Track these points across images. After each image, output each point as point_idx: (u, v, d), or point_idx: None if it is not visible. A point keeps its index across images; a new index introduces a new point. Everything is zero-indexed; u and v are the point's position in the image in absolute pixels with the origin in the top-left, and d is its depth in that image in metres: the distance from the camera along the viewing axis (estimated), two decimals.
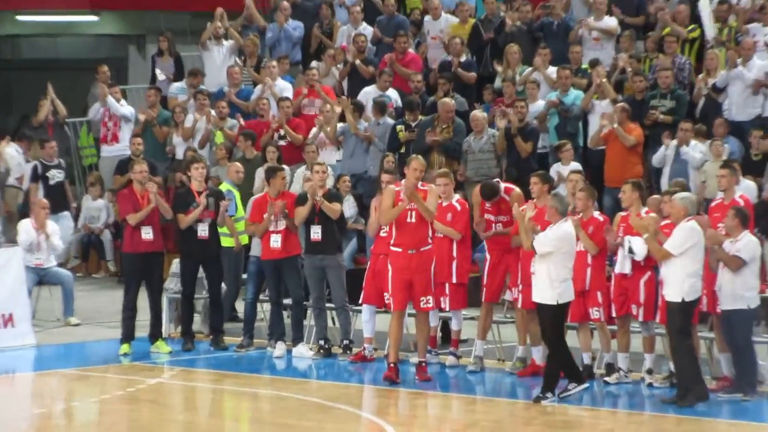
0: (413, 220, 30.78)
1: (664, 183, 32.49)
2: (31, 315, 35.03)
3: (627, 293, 30.33)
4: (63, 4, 46.14)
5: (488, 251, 32.55)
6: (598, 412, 29.51)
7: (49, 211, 36.76)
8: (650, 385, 30.55)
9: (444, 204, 31.66)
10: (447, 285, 32.23)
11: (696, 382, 28.79)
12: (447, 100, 36.21)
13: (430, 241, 31.29)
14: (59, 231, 36.47)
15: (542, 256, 28.48)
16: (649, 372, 30.71)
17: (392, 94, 37.43)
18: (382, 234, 31.99)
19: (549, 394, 29.12)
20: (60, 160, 39.77)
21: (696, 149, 32.56)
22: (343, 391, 31.43)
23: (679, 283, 28.15)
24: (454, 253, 32.13)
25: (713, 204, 29.62)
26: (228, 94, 38.63)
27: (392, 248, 31.38)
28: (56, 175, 38.58)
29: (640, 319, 30.41)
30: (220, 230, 33.36)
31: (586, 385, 29.35)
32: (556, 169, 33.52)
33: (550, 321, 29.18)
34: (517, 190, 31.58)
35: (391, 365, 31.65)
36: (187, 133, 37.47)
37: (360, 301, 33.22)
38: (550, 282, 28.74)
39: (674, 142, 33.21)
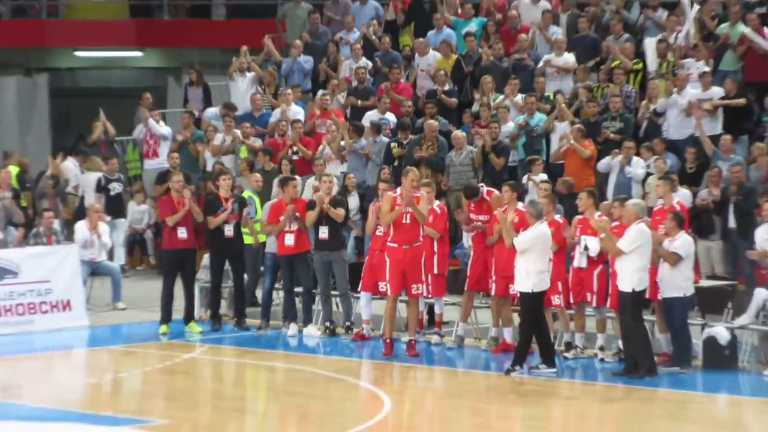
0: (408, 221, 31.22)
1: (610, 191, 32.45)
2: (85, 301, 35.06)
3: (582, 283, 30.67)
4: (113, 42, 46.03)
5: (473, 247, 32.55)
6: (558, 382, 29.56)
7: (100, 214, 36.82)
8: (602, 360, 30.89)
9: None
10: (430, 275, 32.31)
11: (647, 358, 29.03)
12: (432, 122, 36.29)
13: (420, 238, 31.60)
14: (108, 231, 36.52)
15: (522, 252, 28.87)
16: (601, 349, 31.06)
17: (390, 116, 37.42)
18: (378, 233, 32.22)
19: (518, 367, 29.47)
20: (120, 174, 39.95)
21: (638, 165, 32.56)
22: (346, 365, 31.56)
23: (630, 275, 28.53)
24: (435, 249, 32.45)
25: (655, 209, 29.59)
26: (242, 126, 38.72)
27: (389, 244, 31.75)
28: (116, 187, 38.70)
29: (594, 304, 30.76)
30: (242, 230, 33.38)
31: (555, 370, 29.69)
32: (527, 179, 33.49)
33: (529, 306, 29.65)
34: (497, 193, 31.68)
35: (387, 341, 32.02)
36: (216, 150, 37.49)
37: (359, 289, 33.28)
38: (527, 274, 29.25)
39: (620, 156, 33.22)
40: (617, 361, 30.54)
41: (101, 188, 38.80)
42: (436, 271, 32.61)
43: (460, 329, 33.60)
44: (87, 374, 32.84)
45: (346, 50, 39.71)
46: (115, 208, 38.80)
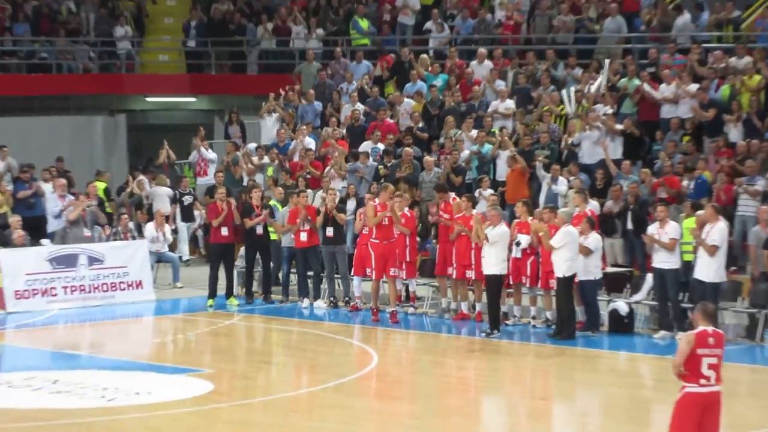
0: (386, 222, 31.41)
1: (542, 201, 32.38)
2: (152, 281, 35.00)
3: (519, 269, 30.55)
4: (174, 90, 45.92)
5: (439, 242, 32.51)
6: (501, 342, 29.50)
7: (165, 219, 36.95)
8: (534, 326, 30.83)
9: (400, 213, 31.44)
10: (404, 263, 32.26)
11: (570, 325, 29.14)
12: (409, 149, 36.16)
13: (395, 236, 31.77)
14: (169, 230, 36.53)
15: (491, 245, 29.01)
16: (534, 318, 30.99)
17: (379, 146, 37.29)
18: (364, 231, 31.95)
19: (496, 332, 29.80)
20: (191, 188, 40.10)
21: (561, 183, 32.46)
22: (344, 329, 31.55)
23: (561, 264, 28.63)
24: (407, 243, 32.15)
25: (574, 215, 29.52)
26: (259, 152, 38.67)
27: (372, 240, 31.87)
28: (188, 199, 38.63)
29: (528, 285, 30.55)
30: (269, 229, 33.41)
31: (499, 333, 29.65)
32: (479, 193, 33.40)
33: (495, 286, 29.83)
34: (458, 199, 31.74)
35: (374, 311, 32.14)
36: (250, 171, 37.45)
37: (352, 273, 33.17)
38: (495, 261, 29.38)
39: (549, 174, 33.08)
40: (545, 327, 30.56)
41: (176, 200, 38.89)
42: (408, 259, 32.44)
43: (428, 304, 34.07)
44: (153, 335, 32.97)
45: (346, 97, 39.57)
46: (188, 214, 38.80)
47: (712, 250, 27.65)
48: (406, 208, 32.32)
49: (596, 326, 29.88)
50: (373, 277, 32.53)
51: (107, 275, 34.53)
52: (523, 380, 27.80)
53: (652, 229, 29.11)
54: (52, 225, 35.28)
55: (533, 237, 30.01)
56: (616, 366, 28.56)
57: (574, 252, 29.29)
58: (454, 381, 28.38)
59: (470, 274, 31.62)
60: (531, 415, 24.71)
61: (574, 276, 29.43)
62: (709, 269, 27.97)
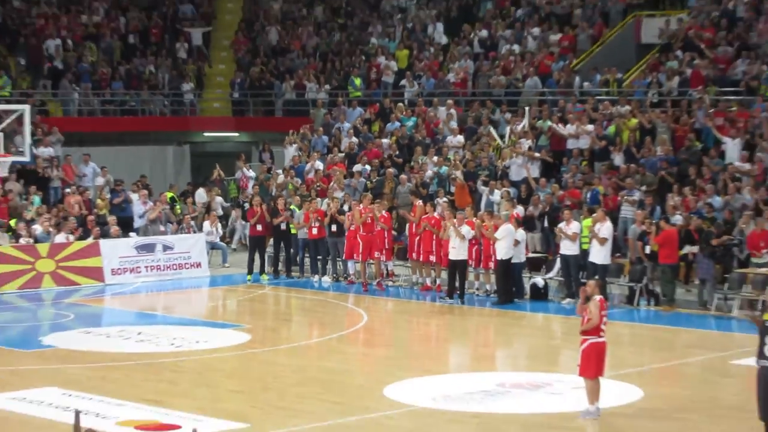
0: (369, 221, 31.21)
1: (482, 207, 32.05)
2: (207, 263, 34.65)
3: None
4: (223, 128, 45.64)
5: (409, 235, 32.09)
6: (454, 306, 29.23)
7: (217, 219, 36.90)
8: (477, 295, 30.32)
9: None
10: (384, 249, 31.99)
11: (506, 293, 28.76)
12: (390, 170, 35.84)
13: (376, 230, 31.40)
14: (220, 226, 36.24)
15: (501, 239, 28.44)
16: (478, 289, 30.53)
17: (367, 167, 36.92)
18: (351, 228, 31.61)
19: (450, 299, 29.40)
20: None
21: (496, 194, 32.19)
22: (343, 296, 31.32)
23: (501, 251, 28.33)
24: (386, 235, 31.73)
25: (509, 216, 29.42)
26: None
27: (361, 233, 31.50)
28: (247, 205, 38.57)
29: (473, 265, 30.04)
30: (290, 226, 33.10)
31: (453, 300, 29.29)
32: (438, 201, 33.06)
33: (462, 268, 29.45)
34: (420, 204, 31.46)
35: (364, 284, 31.87)
36: (279, 186, 37.08)
37: (344, 257, 32.69)
38: (463, 249, 29.00)
39: (487, 188, 32.79)
40: (485, 296, 30.18)
41: (239, 205, 38.78)
42: (387, 247, 32.22)
43: (401, 279, 33.51)
44: (208, 301, 32.80)
45: (345, 133, 39.19)
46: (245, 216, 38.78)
47: (602, 241, 27.66)
48: (384, 211, 32.14)
49: (521, 295, 29.73)
50: (360, 259, 32.30)
51: (176, 258, 34.33)
52: (471, 333, 27.67)
53: (561, 226, 29.02)
54: (137, 222, 35.12)
55: (477, 231, 29.75)
56: (536, 323, 28.46)
57: (511, 242, 29.05)
58: (421, 333, 28.52)
59: (432, 258, 31.24)
60: (477, 357, 25.06)
61: (510, 259, 29.29)
62: (600, 255, 27.93)
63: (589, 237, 28.27)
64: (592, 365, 17.72)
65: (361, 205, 32.55)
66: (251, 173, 39.53)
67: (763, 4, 36.97)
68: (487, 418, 18.26)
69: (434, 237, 30.99)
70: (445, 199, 32.95)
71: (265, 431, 17.11)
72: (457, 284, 30.19)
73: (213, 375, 22.01)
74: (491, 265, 29.96)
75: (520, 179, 33.95)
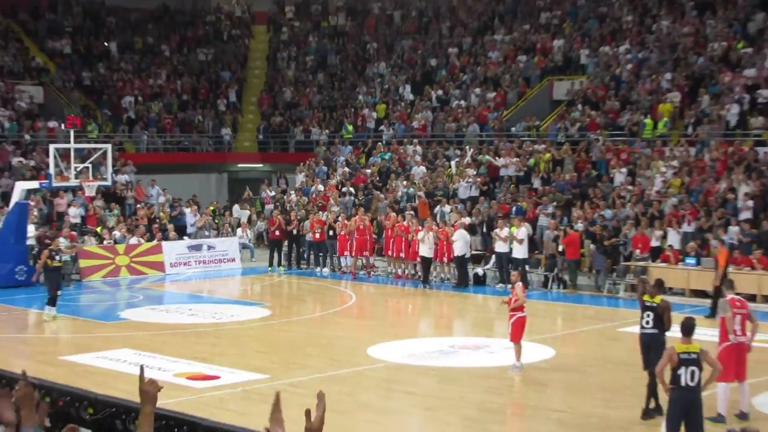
0: (361, 227, 30.74)
1: (438, 218, 31.73)
2: (239, 258, 34.33)
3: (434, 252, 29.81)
4: (252, 161, 45.24)
5: (386, 238, 31.54)
6: (422, 289, 29.22)
7: (248, 226, 36.77)
8: (442, 281, 30.03)
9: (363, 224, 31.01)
10: (367, 249, 31.53)
11: (463, 281, 28.62)
12: (377, 192, 35.53)
13: (365, 235, 31.02)
14: (249, 231, 36.11)
15: (521, 239, 28.06)
16: (435, 277, 30.08)
17: (352, 189, 36.74)
18: (342, 233, 31.35)
19: (426, 286, 28.91)
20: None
21: (448, 209, 31.94)
22: (338, 283, 30.93)
23: (458, 249, 28.15)
24: (367, 238, 31.27)
25: (456, 224, 29.15)
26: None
27: (356, 237, 31.17)
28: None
29: (437, 260, 29.72)
30: (299, 231, 33.03)
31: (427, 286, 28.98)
32: (406, 213, 32.83)
33: (429, 262, 28.97)
34: (394, 215, 31.23)
35: (353, 271, 31.55)
36: (292, 203, 36.90)
37: (338, 254, 32.29)
38: (431, 248, 28.71)
39: (439, 205, 32.58)
40: (443, 282, 29.94)
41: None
42: (368, 247, 31.60)
43: (381, 269, 32.64)
44: (240, 286, 32.12)
45: (340, 165, 39.00)
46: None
47: (520, 241, 27.73)
48: (366, 221, 31.90)
49: (466, 282, 29.43)
50: (353, 255, 31.84)
51: (217, 255, 34.01)
52: (434, 309, 27.42)
53: (496, 231, 28.94)
54: (189, 229, 34.89)
55: (435, 236, 29.53)
56: (477, 302, 28.01)
57: (465, 243, 29.07)
58: (396, 309, 28.23)
59: (402, 254, 30.78)
60: (436, 325, 25.16)
61: (464, 255, 29.21)
62: (520, 251, 27.95)
63: (515, 238, 28.39)
64: (518, 333, 17.84)
65: (356, 217, 32.23)
66: (272, 193, 39.38)
67: (641, 71, 37.03)
68: (443, 370, 18.36)
69: (403, 239, 30.67)
70: (411, 212, 32.76)
71: (280, 380, 17.03)
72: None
73: (243, 340, 21.94)
74: (445, 259, 29.91)
75: (466, 197, 33.84)
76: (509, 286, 19.29)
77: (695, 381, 11.62)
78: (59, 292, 24.07)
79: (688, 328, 12.08)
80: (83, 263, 30.49)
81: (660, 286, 15.63)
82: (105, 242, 31.92)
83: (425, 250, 29.47)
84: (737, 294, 15.08)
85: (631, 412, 14.68)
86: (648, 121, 34.63)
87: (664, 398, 14.47)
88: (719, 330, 14.66)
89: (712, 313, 21.98)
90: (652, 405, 14.47)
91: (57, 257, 24.41)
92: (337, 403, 16.20)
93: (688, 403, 11.66)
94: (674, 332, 14.91)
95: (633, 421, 14.44)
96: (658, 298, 14.86)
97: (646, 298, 14.99)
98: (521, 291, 17.84)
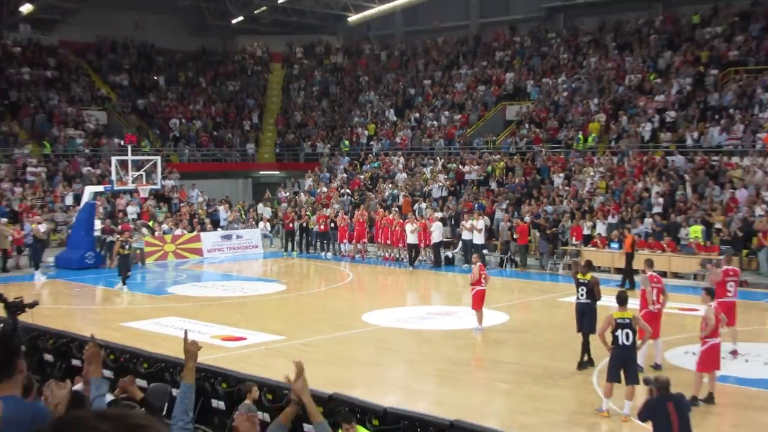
0: (361, 220, 30.38)
1: (417, 214, 31.62)
2: (261, 245, 34.17)
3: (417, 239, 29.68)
4: (271, 169, 44.74)
5: (376, 228, 31.26)
6: (410, 269, 28.97)
7: (266, 219, 36.59)
8: (422, 263, 29.83)
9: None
10: (364, 237, 31.24)
11: (439, 262, 28.62)
12: (370, 193, 35.38)
13: (364, 226, 30.65)
14: (269, 225, 35.98)
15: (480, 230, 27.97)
16: (419, 259, 29.88)
17: (349, 191, 36.64)
18: (342, 225, 31.21)
19: (411, 267, 28.69)
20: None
21: (424, 205, 31.79)
22: (338, 264, 30.78)
23: (435, 237, 28.14)
24: (365, 228, 30.92)
25: (431, 218, 29.04)
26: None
27: (357, 228, 30.98)
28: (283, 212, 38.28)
29: (422, 246, 29.58)
30: (309, 224, 32.85)
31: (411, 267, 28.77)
32: (392, 209, 32.69)
33: (416, 248, 28.69)
34: (383, 211, 30.96)
35: (352, 255, 31.28)
36: (302, 202, 36.77)
37: (339, 241, 32.11)
38: (415, 237, 28.51)
39: (418, 203, 32.43)
40: (421, 263, 29.91)
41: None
42: (365, 235, 31.35)
43: (379, 253, 32.20)
44: (261, 267, 31.79)
45: (340, 171, 38.90)
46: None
47: (479, 230, 27.79)
48: (365, 216, 31.73)
49: (440, 264, 29.28)
50: (354, 242, 31.54)
51: (244, 242, 33.80)
52: (414, 283, 27.15)
53: (462, 223, 28.88)
54: (222, 222, 34.71)
55: (418, 226, 29.42)
56: (448, 279, 27.82)
57: (440, 232, 29.00)
58: (385, 284, 28.08)
59: (389, 241, 30.56)
60: (417, 297, 24.87)
61: (440, 242, 29.12)
62: (479, 238, 27.97)
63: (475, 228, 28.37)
64: (479, 302, 17.84)
65: (358, 212, 31.98)
66: (286, 194, 39.22)
67: (574, 97, 37.03)
68: (421, 332, 18.35)
69: (389, 230, 30.54)
70: (395, 208, 32.69)
71: (294, 340, 17.01)
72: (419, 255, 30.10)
73: (264, 309, 21.86)
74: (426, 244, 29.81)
75: (438, 196, 33.76)
76: (472, 265, 19.26)
77: (630, 340, 11.78)
78: (129, 274, 24.43)
79: (622, 299, 12.26)
80: (134, 248, 30.44)
81: (589, 266, 15.65)
82: (155, 233, 31.79)
83: (413, 238, 29.36)
84: (654, 271, 15.14)
85: (569, 364, 14.71)
86: (580, 136, 34.62)
87: (595, 354, 14.55)
88: (640, 300, 14.77)
89: (623, 284, 22.65)
90: (585, 358, 14.63)
91: (126, 246, 25.00)
92: (338, 359, 16.21)
93: (625, 358, 11.79)
94: (603, 302, 15.00)
95: (571, 371, 14.49)
96: (588, 276, 14.88)
97: (579, 276, 15.00)
98: (478, 270, 17.87)
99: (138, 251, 29.35)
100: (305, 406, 5.05)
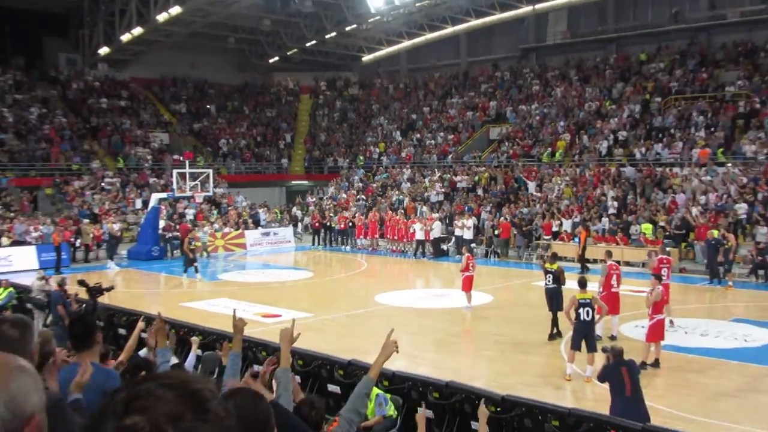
0: (374, 219, 29.93)
1: (419, 214, 31.30)
2: (293, 240, 34.07)
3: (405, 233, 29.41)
4: (300, 179, 44.40)
5: (386, 226, 30.88)
6: (415, 259, 28.76)
7: (298, 221, 36.47)
8: (424, 255, 29.63)
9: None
10: (377, 234, 30.96)
11: (439, 252, 28.18)
12: (379, 198, 35.08)
13: (377, 225, 30.29)
14: (300, 225, 35.98)
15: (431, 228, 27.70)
16: (421, 251, 29.65)
17: (363, 197, 36.40)
18: (359, 224, 30.54)
19: (416, 257, 28.31)
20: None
21: (425, 208, 31.54)
22: (356, 255, 30.55)
23: (435, 233, 27.60)
24: (377, 227, 30.60)
25: (431, 217, 28.81)
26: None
27: (370, 227, 30.52)
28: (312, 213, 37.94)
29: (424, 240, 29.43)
30: (332, 223, 32.65)
31: (417, 257, 28.23)
32: (399, 211, 32.37)
33: (422, 242, 28.01)
34: (392, 212, 30.62)
35: (372, 249, 30.70)
36: (326, 205, 36.60)
37: (356, 237, 31.74)
38: (422, 234, 28.06)
39: (420, 207, 32.21)
40: (428, 255, 29.60)
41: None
42: (378, 232, 31.12)
43: (389, 247, 31.88)
44: (294, 258, 31.43)
45: (356, 180, 38.84)
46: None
47: (470, 228, 27.59)
48: (374, 218, 31.31)
49: (440, 253, 28.98)
50: (368, 237, 31.16)
51: (279, 238, 33.71)
52: (417, 270, 26.81)
53: (455, 222, 28.76)
54: (262, 222, 34.61)
55: (426, 224, 29.17)
56: (443, 266, 27.45)
57: (439, 229, 28.78)
58: (394, 271, 27.67)
59: (395, 237, 30.25)
60: (420, 282, 24.51)
61: (440, 237, 28.85)
62: (468, 234, 27.72)
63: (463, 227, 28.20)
64: (468, 286, 17.74)
65: (371, 213, 31.82)
66: (313, 199, 39.16)
67: (545, 121, 36.89)
68: (421, 310, 18.25)
69: (396, 228, 30.27)
70: (401, 210, 32.54)
71: (320, 317, 16.96)
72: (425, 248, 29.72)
73: (295, 291, 21.75)
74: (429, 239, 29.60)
75: (435, 201, 33.62)
76: (462, 256, 19.18)
77: (590, 317, 11.79)
78: (196, 264, 24.26)
79: (582, 283, 12.26)
80: (197, 244, 30.35)
81: (555, 257, 15.63)
82: (208, 231, 31.79)
83: (420, 234, 29.11)
84: (613, 261, 15.19)
85: (542, 336, 14.67)
86: (549, 151, 34.49)
87: (561, 328, 14.48)
88: (599, 284, 14.70)
89: (582, 270, 22.53)
90: (554, 332, 14.59)
91: (192, 243, 25.04)
92: (355, 331, 16.18)
93: (585, 331, 11.81)
94: (568, 286, 14.93)
95: (543, 342, 14.45)
96: (555, 265, 14.83)
97: (547, 265, 14.98)
98: (466, 259, 17.77)
99: (200, 244, 29.29)
100: (282, 352, 4.95)
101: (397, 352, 4.74)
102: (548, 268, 14.79)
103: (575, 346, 11.77)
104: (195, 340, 9.70)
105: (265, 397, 2.78)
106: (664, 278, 15.00)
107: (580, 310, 11.76)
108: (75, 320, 4.80)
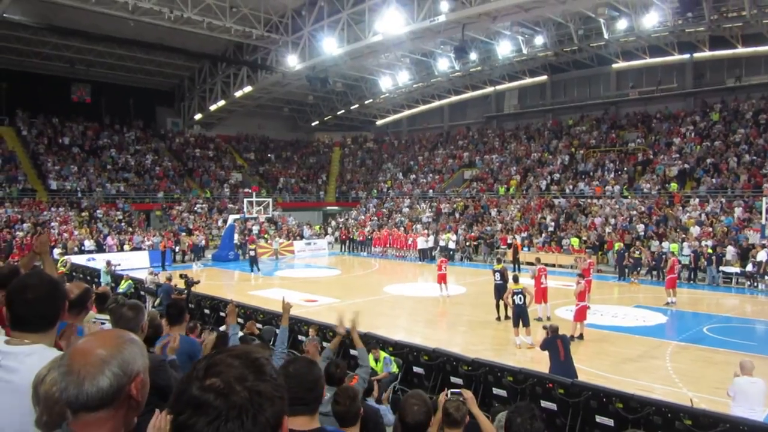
0: (386, 234, 29.29)
1: (417, 229, 30.82)
2: (328, 249, 33.62)
3: (405, 242, 28.76)
4: (333, 206, 44.15)
5: (393, 239, 30.53)
6: (417, 263, 28.39)
7: (331, 235, 35.98)
8: (426, 258, 29.21)
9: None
10: (387, 245, 30.46)
11: (428, 258, 27.42)
12: (387, 220, 34.62)
13: (388, 238, 29.62)
14: (332, 238, 35.57)
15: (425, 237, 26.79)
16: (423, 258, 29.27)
17: (376, 218, 35.96)
18: (374, 236, 29.77)
19: (418, 260, 27.44)
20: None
21: (419, 226, 31.06)
22: (371, 259, 30.02)
23: (423, 244, 26.82)
24: (388, 239, 30.01)
25: (424, 232, 28.29)
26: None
27: (384, 238, 29.99)
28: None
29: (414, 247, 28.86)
30: (354, 236, 32.15)
31: (420, 261, 27.52)
32: (401, 228, 31.96)
33: (425, 251, 27.19)
34: (396, 228, 29.94)
35: (383, 254, 30.04)
36: (350, 223, 36.14)
37: (373, 246, 31.28)
38: (425, 244, 27.23)
39: (415, 226, 31.80)
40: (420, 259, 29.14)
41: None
42: (389, 243, 30.64)
43: (396, 253, 31.33)
44: (327, 261, 30.55)
45: (372, 207, 38.36)
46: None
47: (451, 240, 27.06)
48: (384, 233, 31.02)
49: (429, 259, 28.56)
50: (380, 246, 30.61)
51: (318, 247, 33.20)
52: (413, 271, 26.20)
53: (441, 236, 28.41)
54: (305, 235, 34.39)
55: (428, 238, 28.76)
56: (431, 267, 26.60)
57: (432, 241, 28.28)
58: (400, 270, 26.98)
59: (398, 247, 29.77)
60: (418, 278, 23.95)
61: (430, 247, 28.31)
62: (451, 245, 27.26)
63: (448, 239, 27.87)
64: (441, 280, 17.61)
65: (381, 229, 31.30)
66: (341, 219, 38.97)
67: (502, 166, 36.84)
68: (416, 298, 17.97)
69: (399, 240, 29.86)
70: (403, 228, 32.21)
71: (345, 301, 16.79)
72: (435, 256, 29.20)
73: (328, 284, 21.36)
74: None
75: (426, 221, 33.28)
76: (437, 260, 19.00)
77: (522, 302, 11.72)
78: (258, 265, 24.22)
79: (515, 278, 12.48)
80: (260, 251, 30.08)
81: (499, 260, 15.74)
82: (268, 242, 31.63)
83: (423, 245, 28.43)
84: (542, 264, 15.08)
85: (494, 316, 14.48)
86: (506, 187, 34.37)
87: (509, 312, 14.31)
88: (534, 283, 14.55)
89: (515, 269, 22.42)
90: (502, 315, 14.41)
91: (252, 252, 25.01)
92: (370, 312, 15.93)
93: (521, 313, 11.76)
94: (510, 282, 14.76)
95: (492, 321, 14.28)
96: (500, 266, 14.89)
97: (495, 266, 14.95)
98: (439, 262, 17.69)
99: (270, 250, 29.07)
100: (353, 338, 4.94)
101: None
102: (495, 268, 14.84)
103: (515, 324, 11.78)
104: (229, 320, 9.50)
105: (317, 363, 2.73)
106: (589, 277, 15.02)
107: (516, 297, 11.83)
108: (171, 303, 4.79)
